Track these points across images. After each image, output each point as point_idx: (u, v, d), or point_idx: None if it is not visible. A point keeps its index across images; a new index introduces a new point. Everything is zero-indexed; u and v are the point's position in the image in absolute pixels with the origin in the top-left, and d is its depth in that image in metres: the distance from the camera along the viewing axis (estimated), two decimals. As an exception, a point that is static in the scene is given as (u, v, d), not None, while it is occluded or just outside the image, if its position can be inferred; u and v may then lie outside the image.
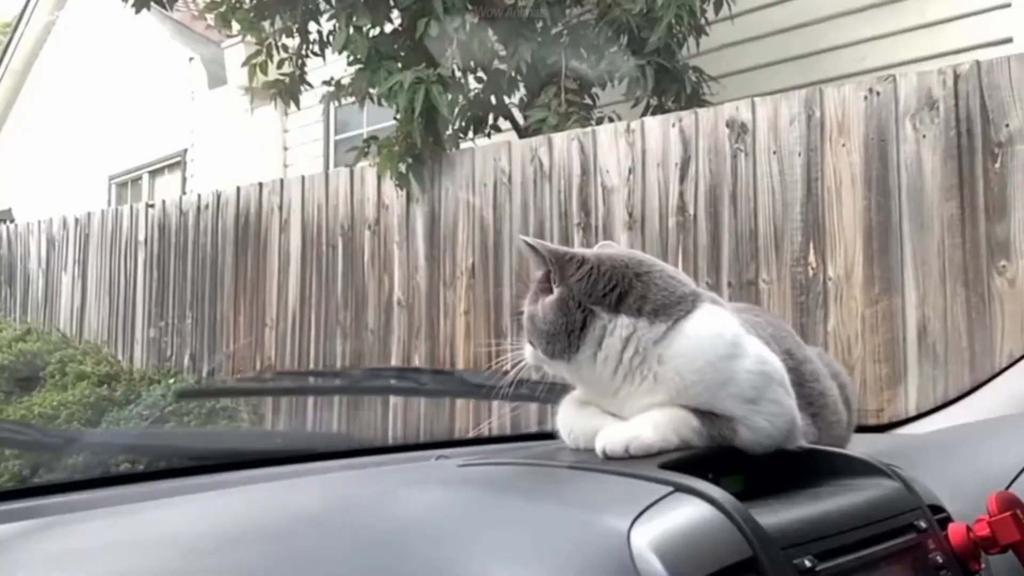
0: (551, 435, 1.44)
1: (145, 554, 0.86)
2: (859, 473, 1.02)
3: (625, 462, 1.00)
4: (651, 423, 1.04)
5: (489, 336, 4.49)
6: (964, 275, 3.15)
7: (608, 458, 1.02)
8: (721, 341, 1.06)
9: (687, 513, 0.85)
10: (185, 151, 9.30)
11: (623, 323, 1.06)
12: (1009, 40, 4.34)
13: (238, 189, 6.03)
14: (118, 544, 0.89)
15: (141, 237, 6.91)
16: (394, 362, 4.91)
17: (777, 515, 0.89)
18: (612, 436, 1.04)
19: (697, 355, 1.04)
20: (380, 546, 0.84)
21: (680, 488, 0.88)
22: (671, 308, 1.07)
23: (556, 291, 1.09)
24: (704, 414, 1.04)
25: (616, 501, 0.87)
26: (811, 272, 3.48)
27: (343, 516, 0.95)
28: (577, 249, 1.12)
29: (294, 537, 0.89)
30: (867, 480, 1.02)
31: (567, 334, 1.07)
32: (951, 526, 1.02)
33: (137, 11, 5.71)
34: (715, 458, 1.02)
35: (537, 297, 1.11)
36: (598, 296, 1.07)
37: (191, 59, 9.03)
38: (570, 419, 1.14)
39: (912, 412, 1.82)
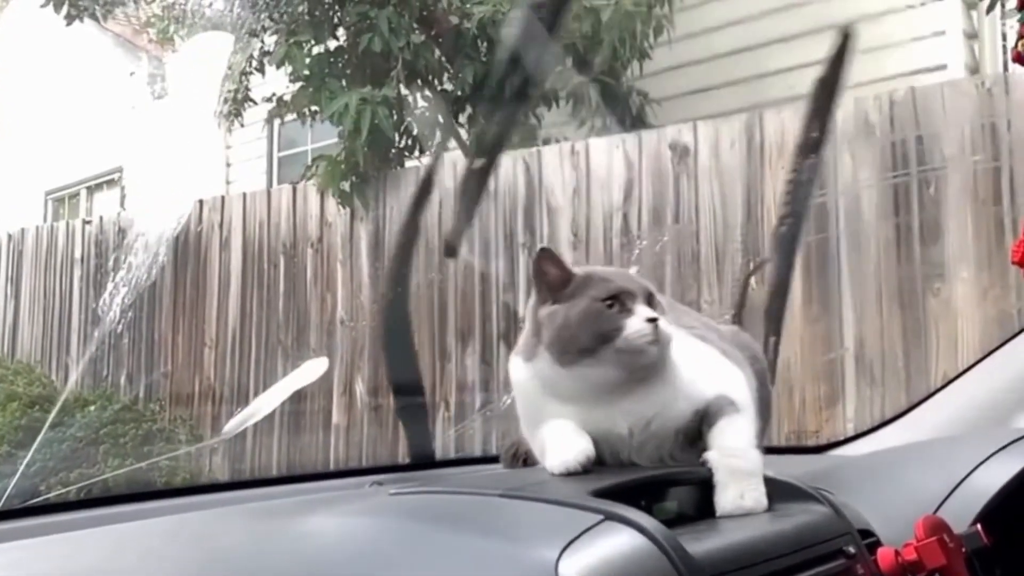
0: (493, 459, 1.43)
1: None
2: (789, 498, 1.03)
3: (559, 488, 0.99)
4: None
5: (433, 355, 4.46)
6: (900, 296, 3.22)
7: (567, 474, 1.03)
8: None
9: (616, 542, 0.84)
10: (123, 167, 9.11)
11: None
12: (944, 67, 4.45)
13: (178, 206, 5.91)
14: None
15: (77, 254, 6.75)
16: (336, 382, 4.85)
17: (706, 542, 0.89)
18: (558, 456, 1.05)
19: None
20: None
21: (610, 516, 0.87)
22: None
23: None
24: None
25: (546, 531, 0.86)
26: (751, 292, 3.52)
27: (269, 545, 0.94)
28: None
29: (220, 568, 0.87)
30: (797, 505, 1.02)
31: None
32: (880, 551, 1.02)
33: (68, 23, 5.65)
34: (648, 485, 1.01)
35: None
36: None
37: (132, 73, 8.87)
38: None
39: (851, 432, 1.84)
